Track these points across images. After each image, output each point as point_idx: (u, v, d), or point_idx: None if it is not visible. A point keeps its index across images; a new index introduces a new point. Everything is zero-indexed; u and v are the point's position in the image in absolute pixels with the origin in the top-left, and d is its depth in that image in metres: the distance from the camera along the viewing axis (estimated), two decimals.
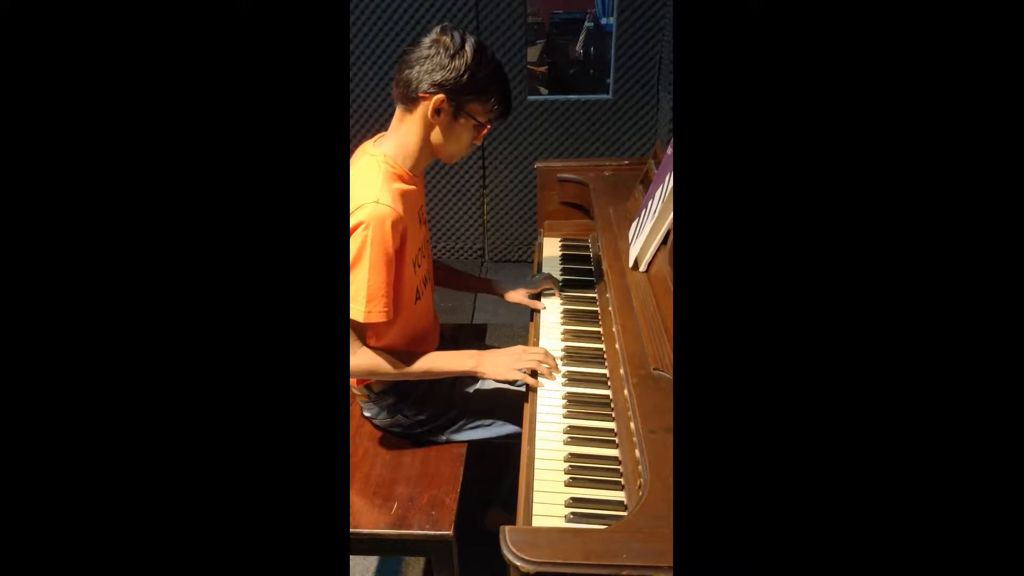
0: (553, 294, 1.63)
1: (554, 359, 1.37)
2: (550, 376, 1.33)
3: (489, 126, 1.33)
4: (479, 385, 1.48)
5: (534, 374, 1.34)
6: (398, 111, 1.31)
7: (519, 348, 1.39)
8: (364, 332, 1.32)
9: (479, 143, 1.39)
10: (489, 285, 1.72)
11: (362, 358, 1.30)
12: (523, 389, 1.36)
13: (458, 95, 1.25)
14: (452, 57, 1.22)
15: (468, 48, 1.23)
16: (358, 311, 1.23)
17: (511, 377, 1.35)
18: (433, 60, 1.23)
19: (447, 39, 1.23)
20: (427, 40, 1.25)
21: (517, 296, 1.66)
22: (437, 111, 1.26)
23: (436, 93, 1.24)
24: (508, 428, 1.46)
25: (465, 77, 1.24)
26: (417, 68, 1.24)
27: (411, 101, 1.27)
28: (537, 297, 1.64)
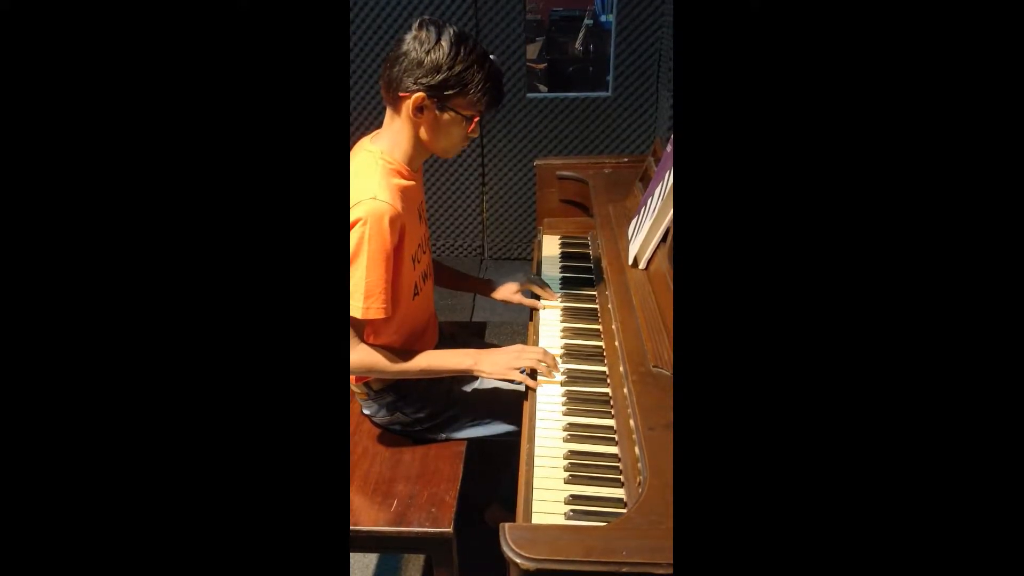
0: (551, 299, 1.60)
1: (554, 357, 1.36)
2: (549, 375, 1.32)
3: (478, 118, 1.30)
4: (477, 384, 1.48)
5: (533, 373, 1.33)
6: (388, 110, 1.30)
7: (518, 347, 1.39)
8: (362, 328, 1.32)
9: (476, 135, 1.37)
10: (480, 286, 1.70)
11: (360, 355, 1.30)
12: (521, 388, 1.36)
13: (438, 91, 1.23)
14: (427, 53, 1.20)
15: (444, 42, 1.20)
16: (356, 307, 1.23)
17: (509, 376, 1.34)
18: (410, 57, 1.21)
19: (423, 34, 1.21)
20: (408, 36, 1.22)
21: (505, 293, 1.64)
22: (420, 109, 1.24)
23: (416, 91, 1.22)
24: (508, 426, 1.46)
25: (442, 73, 1.21)
26: (397, 67, 1.22)
27: (394, 100, 1.26)
28: (534, 296, 1.62)
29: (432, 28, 1.21)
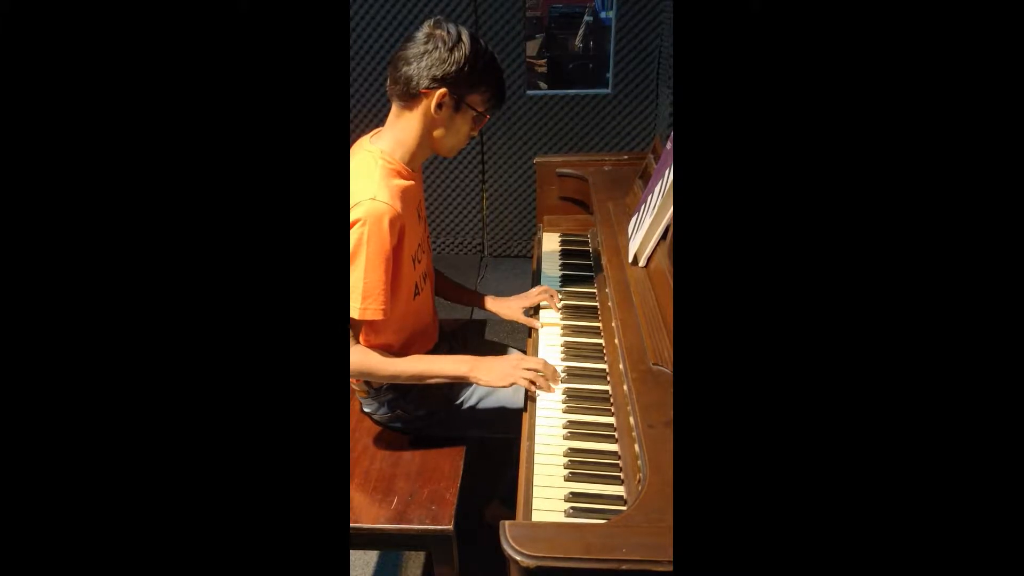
0: (550, 307, 1.57)
1: (554, 369, 1.32)
2: (549, 388, 1.28)
3: (488, 116, 1.33)
4: (474, 403, 1.46)
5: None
6: (395, 108, 1.30)
7: (516, 356, 1.37)
8: (358, 329, 1.31)
9: (475, 135, 1.38)
10: (483, 301, 1.65)
11: (354, 356, 1.29)
12: (519, 403, 1.33)
13: (459, 87, 1.25)
14: (451, 50, 1.21)
15: (465, 39, 1.22)
16: (353, 308, 1.23)
17: (506, 385, 1.31)
18: (432, 55, 1.22)
19: (442, 32, 1.22)
20: (421, 35, 1.23)
21: (511, 313, 1.59)
22: (439, 105, 1.25)
23: (438, 88, 1.23)
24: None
25: (465, 69, 1.23)
26: (416, 64, 1.22)
27: (411, 98, 1.26)
28: (535, 309, 1.58)
29: (451, 27, 1.23)
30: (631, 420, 1.08)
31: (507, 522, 0.85)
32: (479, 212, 3.34)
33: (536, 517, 1.01)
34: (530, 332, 1.54)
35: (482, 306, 1.66)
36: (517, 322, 1.58)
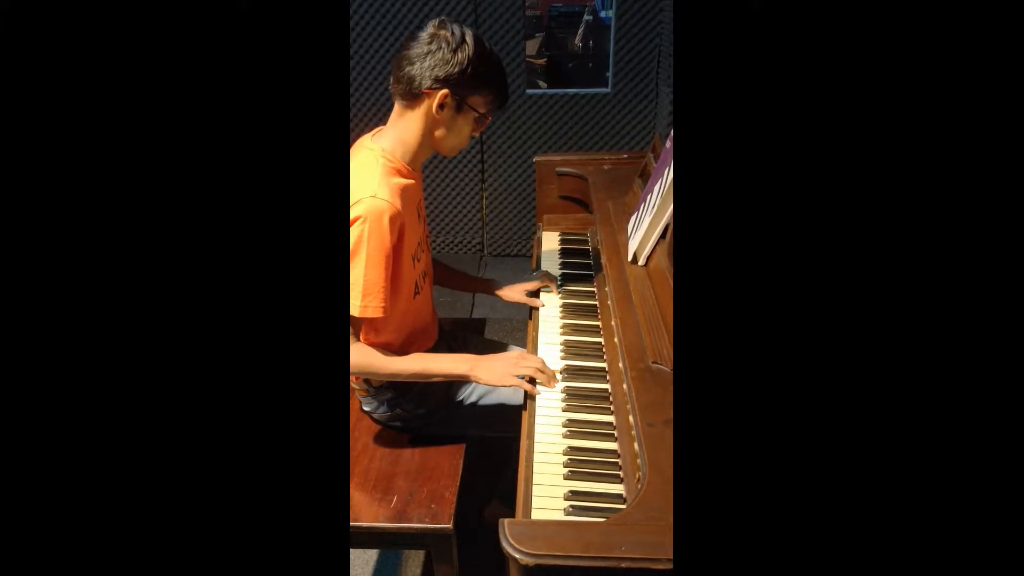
0: (551, 291, 1.62)
1: (553, 372, 1.32)
2: (548, 385, 1.29)
3: (490, 117, 1.33)
4: (475, 400, 1.47)
5: (531, 381, 1.30)
6: (397, 107, 1.30)
7: (516, 353, 1.38)
8: (359, 327, 1.31)
9: (477, 135, 1.39)
10: (486, 285, 1.70)
11: (355, 354, 1.29)
12: (519, 400, 1.34)
13: (461, 88, 1.25)
14: (454, 51, 1.21)
15: (469, 40, 1.22)
16: (354, 306, 1.23)
17: (507, 383, 1.32)
18: (435, 55, 1.22)
19: (446, 32, 1.22)
20: (425, 35, 1.23)
21: (514, 295, 1.64)
22: (441, 106, 1.25)
23: (440, 88, 1.23)
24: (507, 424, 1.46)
25: (468, 70, 1.23)
26: (419, 64, 1.23)
27: (414, 98, 1.26)
28: (536, 294, 1.62)
29: (455, 27, 1.23)
30: (630, 419, 1.09)
31: (506, 520, 0.85)
32: (479, 211, 3.34)
33: (535, 515, 1.01)
34: (530, 313, 1.58)
35: (487, 290, 1.69)
36: (519, 303, 1.62)
